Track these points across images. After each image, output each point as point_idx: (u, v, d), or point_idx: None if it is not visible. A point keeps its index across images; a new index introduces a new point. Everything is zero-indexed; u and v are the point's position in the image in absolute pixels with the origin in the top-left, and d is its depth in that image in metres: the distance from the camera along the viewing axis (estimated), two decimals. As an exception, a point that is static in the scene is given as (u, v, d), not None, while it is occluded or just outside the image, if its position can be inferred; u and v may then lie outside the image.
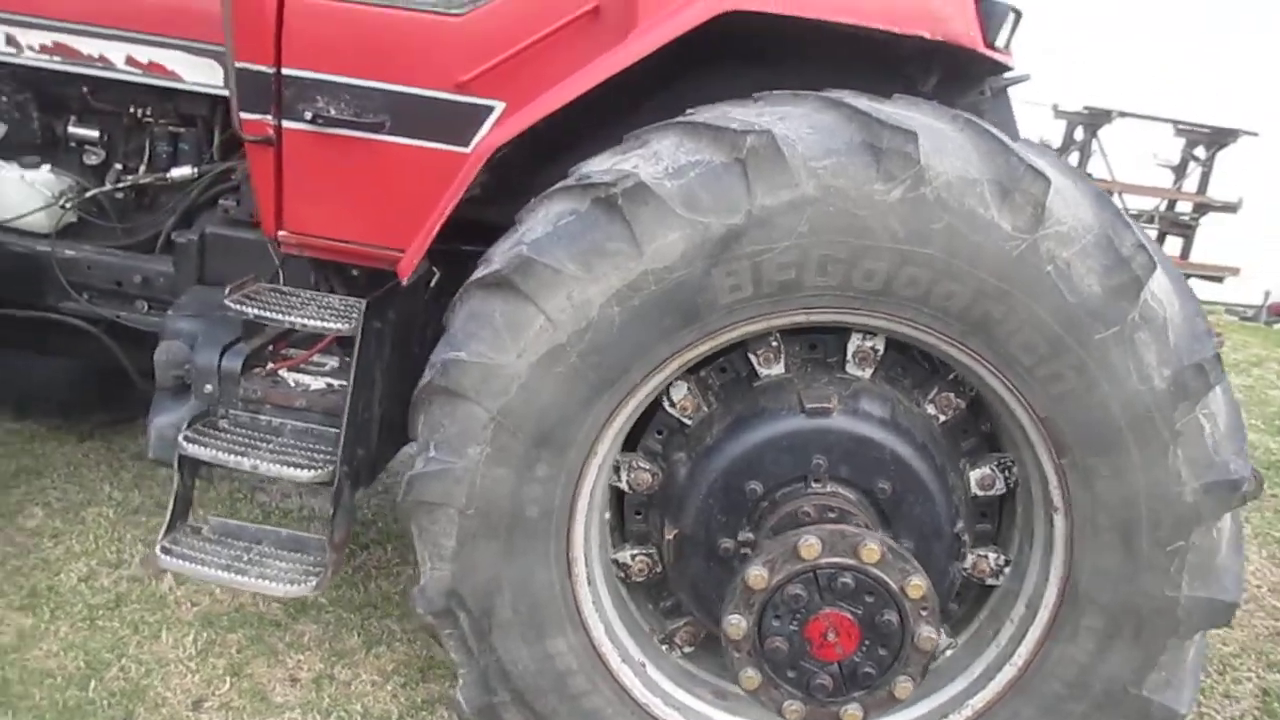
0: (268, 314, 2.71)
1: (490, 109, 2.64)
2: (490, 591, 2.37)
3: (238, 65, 2.66)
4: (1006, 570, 2.52)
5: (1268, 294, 14.31)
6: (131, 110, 3.38)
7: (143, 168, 3.42)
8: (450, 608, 2.40)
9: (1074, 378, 2.17)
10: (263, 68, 2.67)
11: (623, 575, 2.58)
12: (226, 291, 2.77)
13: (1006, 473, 2.49)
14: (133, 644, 3.20)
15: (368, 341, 2.69)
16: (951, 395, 2.45)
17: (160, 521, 3.09)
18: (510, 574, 2.36)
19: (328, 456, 2.67)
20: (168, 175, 3.34)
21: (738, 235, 2.12)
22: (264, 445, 2.71)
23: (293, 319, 2.70)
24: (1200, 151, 11.45)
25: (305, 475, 2.62)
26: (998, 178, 2.10)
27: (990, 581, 2.56)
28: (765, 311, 2.21)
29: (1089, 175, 2.26)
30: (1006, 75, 2.79)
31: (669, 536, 2.43)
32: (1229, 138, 11.21)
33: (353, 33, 2.65)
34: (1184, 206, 11.14)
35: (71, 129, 3.44)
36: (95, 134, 3.44)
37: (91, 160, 3.45)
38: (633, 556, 2.57)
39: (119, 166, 3.45)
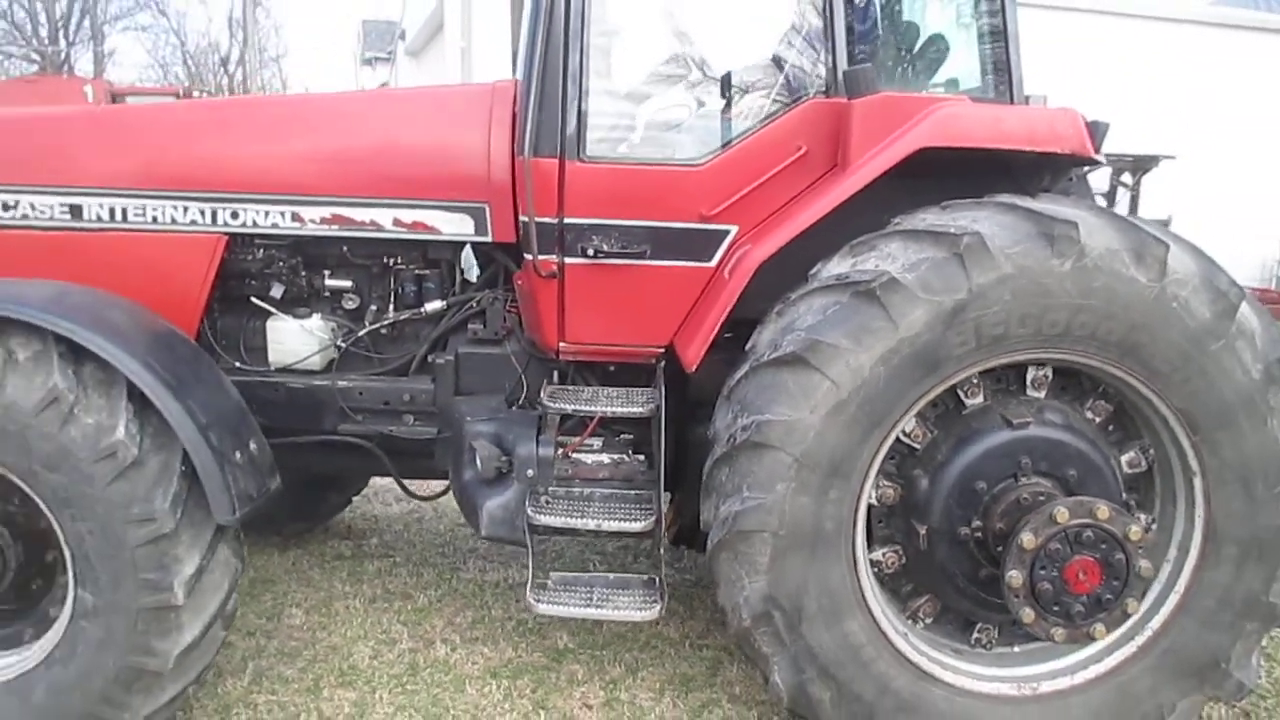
0: (584, 408, 3.53)
1: (727, 233, 3.52)
2: (799, 592, 3.17)
3: (537, 220, 3.49)
4: (1154, 527, 3.39)
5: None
6: (383, 260, 4.15)
7: (391, 306, 4.21)
8: (767, 610, 3.19)
9: (1199, 378, 3.08)
10: (548, 218, 3.52)
11: (876, 570, 3.40)
12: (545, 394, 3.57)
13: (1146, 455, 3.39)
14: (447, 698, 3.86)
15: (659, 418, 3.52)
16: (1103, 402, 3.36)
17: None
18: (814, 576, 3.17)
19: (646, 510, 3.48)
20: (422, 310, 4.13)
21: (963, 306, 3.01)
22: (590, 509, 3.51)
23: (601, 408, 3.52)
24: (1127, 178, 12.80)
25: (638, 526, 3.43)
26: (1133, 247, 3.03)
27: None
28: (984, 357, 3.10)
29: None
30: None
31: (921, 532, 3.28)
32: (1151, 163, 12.55)
33: (618, 186, 3.51)
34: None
35: (329, 281, 4.18)
36: (349, 284, 4.18)
37: (349, 305, 4.21)
38: (883, 555, 3.40)
39: (374, 308, 4.21)
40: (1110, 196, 12.52)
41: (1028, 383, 3.31)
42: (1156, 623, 3.30)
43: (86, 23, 42.94)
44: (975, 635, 3.47)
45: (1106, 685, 3.31)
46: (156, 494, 3.14)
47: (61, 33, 41.75)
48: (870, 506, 3.34)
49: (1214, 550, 3.22)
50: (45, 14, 41.52)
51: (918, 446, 3.34)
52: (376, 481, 5.91)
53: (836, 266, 3.18)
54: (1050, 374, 3.31)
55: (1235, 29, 16.50)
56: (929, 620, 3.47)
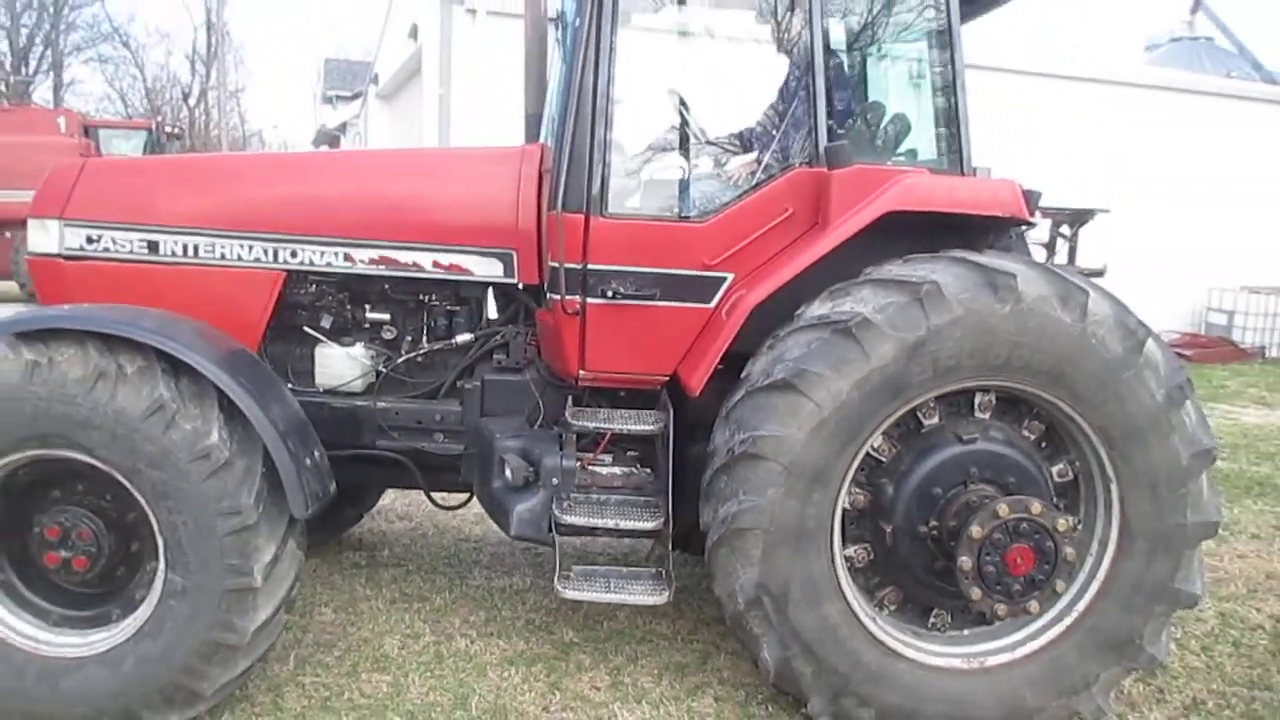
0: (604, 426, 4.15)
1: (725, 279, 4.16)
2: (786, 581, 3.79)
3: (564, 266, 4.12)
4: (1079, 526, 4.03)
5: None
6: (419, 297, 4.75)
7: (425, 337, 4.81)
8: (759, 596, 3.81)
9: (1114, 401, 3.76)
10: (573, 265, 4.15)
11: (849, 563, 4.02)
12: (568, 414, 4.19)
13: (1072, 466, 4.05)
14: (471, 681, 4.39)
15: (666, 435, 4.15)
16: (1036, 422, 4.03)
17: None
18: (798, 567, 3.79)
19: (656, 513, 4.10)
20: (452, 341, 4.74)
21: (923, 342, 3.67)
22: (607, 511, 4.13)
23: (617, 426, 4.14)
24: (1066, 229, 13.73)
25: (650, 526, 4.06)
26: (1060, 293, 3.71)
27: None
28: (939, 385, 3.76)
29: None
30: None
31: (887, 530, 3.93)
32: (1087, 216, 13.50)
33: (634, 238, 4.15)
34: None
35: (370, 314, 4.78)
36: (388, 316, 4.77)
37: (388, 335, 4.80)
38: (855, 551, 4.02)
39: (409, 338, 4.81)
40: (1050, 246, 13.39)
41: (975, 406, 3.98)
42: (1081, 605, 3.95)
43: (49, 52, 43.12)
44: (932, 620, 4.10)
45: (1041, 659, 3.96)
46: (243, 491, 3.67)
47: (23, 63, 41.95)
48: (844, 510, 3.96)
49: (1128, 544, 3.89)
50: (9, 43, 41.75)
51: (884, 459, 3.99)
52: (381, 502, 6.50)
53: (818, 308, 3.84)
54: (994, 399, 3.98)
55: (1167, 91, 17.68)
56: (893, 607, 4.10)
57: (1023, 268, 3.79)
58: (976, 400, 3.97)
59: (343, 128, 38.34)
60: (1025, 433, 4.03)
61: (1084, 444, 3.92)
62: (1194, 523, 3.85)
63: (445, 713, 4.14)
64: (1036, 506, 3.67)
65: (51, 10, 42.33)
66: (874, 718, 3.91)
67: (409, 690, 4.32)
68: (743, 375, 3.95)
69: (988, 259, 3.81)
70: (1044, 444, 4.08)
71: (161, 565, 3.75)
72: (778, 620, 3.84)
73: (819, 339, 3.73)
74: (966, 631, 4.10)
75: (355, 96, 40.86)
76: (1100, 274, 12.86)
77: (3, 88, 41.03)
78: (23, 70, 41.57)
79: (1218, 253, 17.20)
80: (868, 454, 3.94)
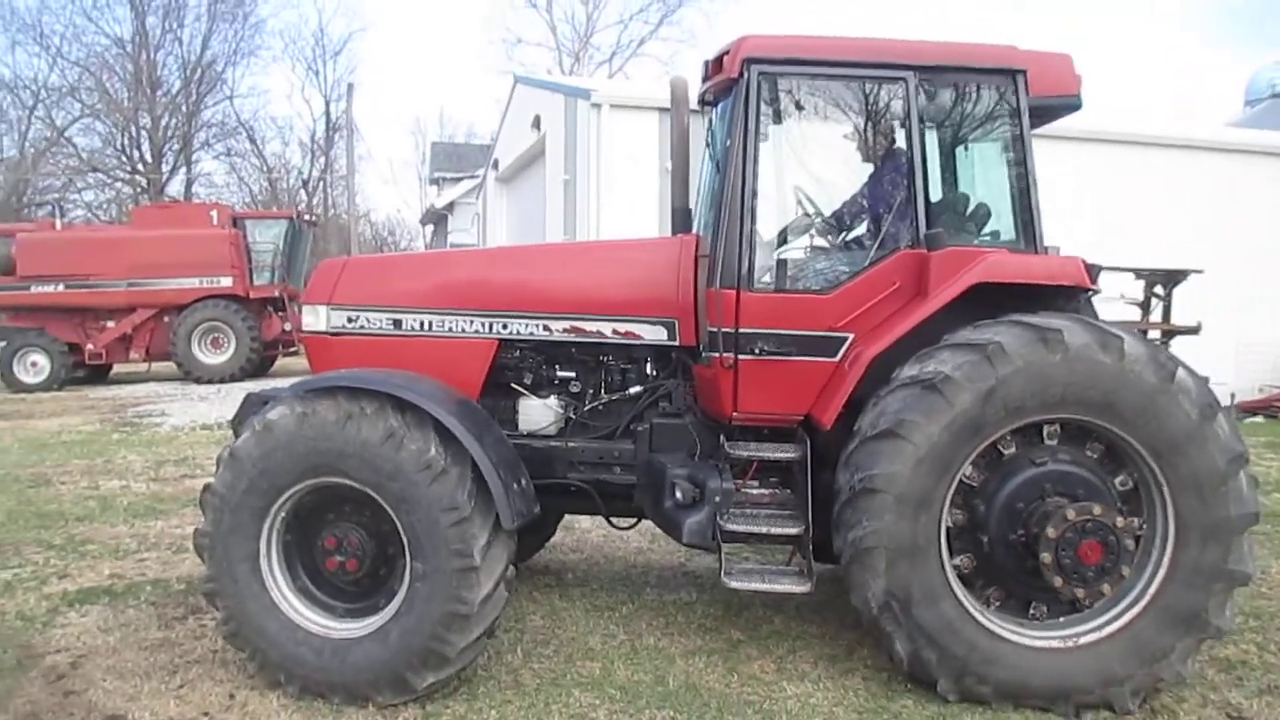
0: (756, 455, 5.31)
1: (847, 338, 5.27)
2: (908, 587, 4.82)
3: (721, 330, 5.27)
4: (1143, 527, 4.93)
5: (1233, 396, 17.27)
6: (598, 357, 5.98)
7: (604, 389, 6.02)
8: (888, 602, 4.85)
9: (1155, 422, 4.72)
10: (728, 329, 5.29)
11: (957, 570, 4.97)
12: (726, 445, 5.35)
13: (1131, 476, 4.95)
14: (664, 668, 5.39)
15: (805, 460, 5.27)
16: (1097, 443, 4.97)
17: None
18: (917, 577, 4.81)
19: (798, 522, 5.21)
20: (626, 392, 5.95)
21: (993, 389, 4.71)
22: (760, 521, 5.26)
23: (766, 455, 5.29)
24: (1159, 289, 14.40)
25: (793, 531, 5.20)
26: (1100, 341, 4.69)
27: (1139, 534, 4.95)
28: (1010, 422, 4.79)
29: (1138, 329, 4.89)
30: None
31: (984, 541, 4.95)
32: (1181, 276, 14.13)
33: (776, 307, 5.28)
34: (1154, 334, 13.93)
35: (559, 372, 6.02)
36: (574, 374, 6.02)
37: (574, 389, 6.03)
38: (961, 560, 5.01)
39: (591, 391, 6.03)
40: (1145, 305, 14.03)
41: (1044, 435, 4.98)
42: (1152, 589, 4.86)
43: (177, 146, 46.58)
44: (1031, 611, 5.06)
45: (1124, 635, 4.86)
46: (459, 492, 4.70)
47: (161, 159, 45.55)
48: (948, 528, 4.96)
49: (1184, 536, 4.81)
50: (149, 140, 45.42)
51: (975, 484, 5.02)
52: (554, 539, 7.72)
53: (910, 370, 4.89)
54: (1059, 428, 4.96)
55: (1256, 155, 18.23)
56: (998, 603, 5.08)
57: (1069, 323, 4.80)
58: (1045, 431, 4.96)
59: (450, 207, 40.54)
60: (1089, 453, 5.00)
61: (1137, 459, 4.87)
62: (1237, 514, 4.75)
63: (649, 688, 5.19)
64: (1098, 509, 4.71)
65: (184, 110, 45.94)
66: (992, 692, 4.89)
67: (616, 673, 5.36)
68: (854, 429, 5.01)
69: (1039, 319, 4.83)
70: (1106, 461, 5.02)
71: (407, 558, 4.81)
72: (905, 620, 4.86)
73: (912, 394, 4.81)
74: (1061, 619, 5.03)
75: (460, 178, 43.22)
76: (1195, 331, 13.49)
77: (145, 184, 44.85)
78: (161, 167, 45.28)
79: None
80: (961, 481, 4.94)
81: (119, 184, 46.29)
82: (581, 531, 8.45)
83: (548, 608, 6.49)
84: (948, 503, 4.88)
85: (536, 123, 20.37)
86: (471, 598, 4.76)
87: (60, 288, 21.13)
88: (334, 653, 4.94)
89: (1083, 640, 4.92)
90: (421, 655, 4.81)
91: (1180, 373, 4.75)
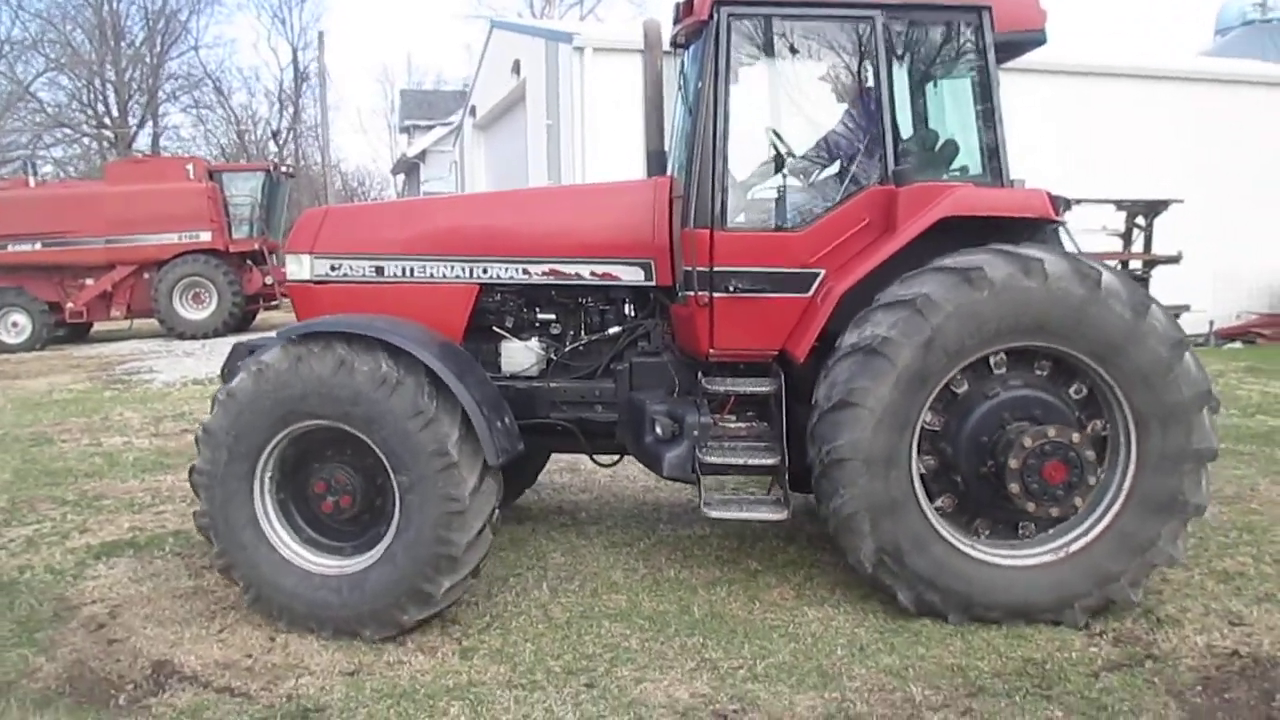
0: (733, 389, 5.45)
1: (818, 274, 5.39)
2: (896, 540, 4.98)
3: (696, 270, 5.40)
4: (1106, 427, 5.06)
5: (1211, 323, 17.53)
6: (578, 299, 6.09)
7: (584, 331, 6.14)
8: (880, 558, 5.03)
9: (1091, 330, 4.82)
10: (703, 268, 5.41)
11: (939, 511, 5.14)
12: (703, 381, 5.49)
13: (1082, 385, 5.08)
14: (688, 597, 5.57)
15: (779, 394, 5.42)
16: (1045, 361, 5.05)
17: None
18: (902, 529, 4.97)
19: (775, 454, 5.37)
20: (605, 333, 6.08)
21: (931, 339, 4.83)
22: (738, 453, 5.42)
23: (742, 389, 5.44)
24: (1140, 220, 14.53)
25: (770, 462, 5.35)
26: (1023, 269, 4.81)
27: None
28: (955, 364, 4.93)
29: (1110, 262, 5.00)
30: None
31: (957, 479, 5.12)
32: (1162, 207, 14.25)
33: (748, 245, 5.40)
34: (1135, 264, 14.05)
35: (540, 315, 6.14)
36: (554, 316, 6.14)
37: (555, 331, 6.16)
38: (942, 502, 5.18)
39: (572, 332, 6.16)
40: (1126, 237, 14.14)
41: (992, 366, 5.10)
42: (1128, 484, 5.04)
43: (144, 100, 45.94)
44: (1021, 531, 5.24)
45: (1111, 533, 5.05)
46: (448, 438, 4.80)
47: (127, 112, 44.97)
48: (921, 474, 5.11)
49: (1145, 427, 4.96)
50: (115, 94, 44.81)
51: (938, 429, 5.16)
52: (562, 479, 7.92)
53: (850, 337, 5.02)
54: (1005, 356, 5.07)
55: (1221, 83, 18.31)
56: (988, 533, 5.26)
57: (988, 257, 4.93)
58: (991, 361, 5.08)
59: (422, 156, 40.19)
60: (1038, 372, 5.11)
61: (1083, 367, 5.00)
62: (1190, 395, 4.92)
63: (675, 617, 5.36)
64: (1052, 431, 4.88)
65: (149, 61, 45.25)
66: (1002, 615, 5.09)
67: (642, 605, 5.54)
68: (836, 344, 5.15)
69: (958, 259, 4.95)
70: (1056, 376, 5.12)
71: (398, 498, 4.93)
72: (901, 570, 5.05)
73: (856, 362, 4.95)
74: (1050, 530, 5.20)
75: (432, 125, 42.77)
76: (1176, 260, 13.59)
77: (113, 138, 44.28)
78: (127, 120, 44.71)
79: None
80: (924, 429, 5.08)
81: (86, 139, 45.78)
82: (588, 473, 8.60)
83: (566, 545, 6.67)
84: (915, 453, 5.05)
85: (516, 68, 20.18)
86: (459, 540, 4.90)
87: (37, 246, 21.00)
88: (352, 588, 5.06)
89: (1073, 548, 5.11)
90: (432, 563, 4.92)
91: (1153, 309, 4.89)
